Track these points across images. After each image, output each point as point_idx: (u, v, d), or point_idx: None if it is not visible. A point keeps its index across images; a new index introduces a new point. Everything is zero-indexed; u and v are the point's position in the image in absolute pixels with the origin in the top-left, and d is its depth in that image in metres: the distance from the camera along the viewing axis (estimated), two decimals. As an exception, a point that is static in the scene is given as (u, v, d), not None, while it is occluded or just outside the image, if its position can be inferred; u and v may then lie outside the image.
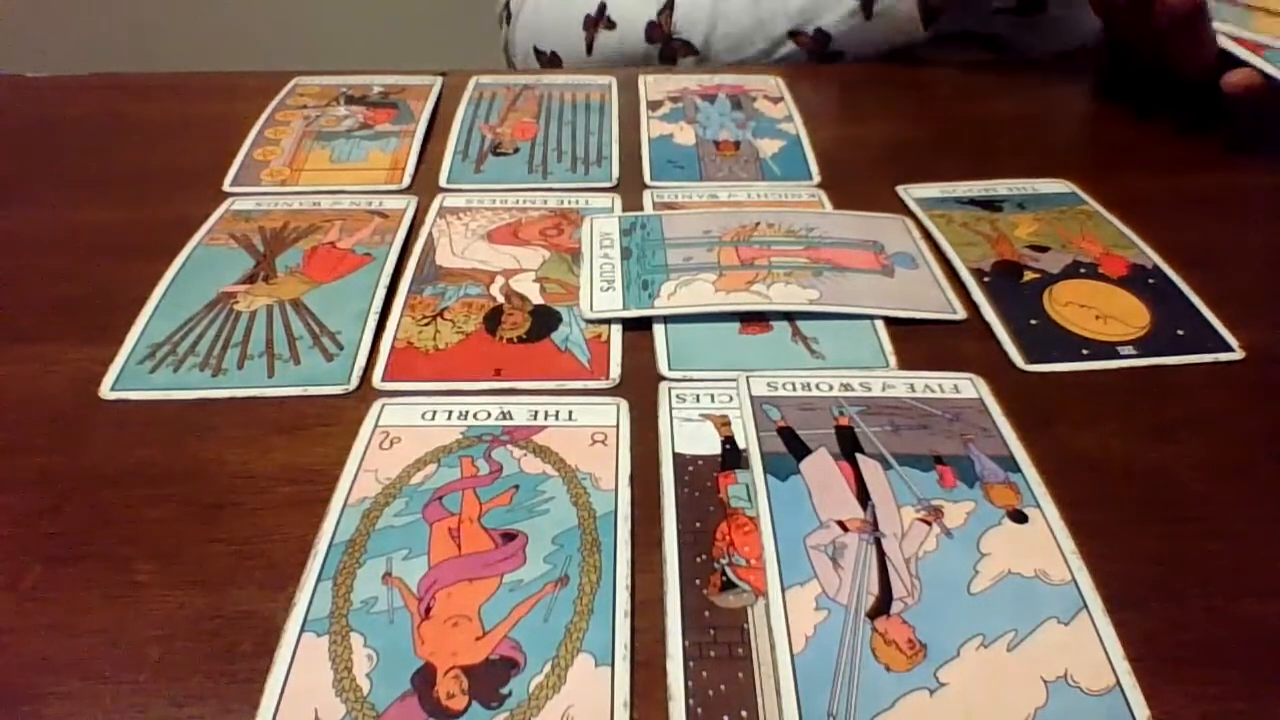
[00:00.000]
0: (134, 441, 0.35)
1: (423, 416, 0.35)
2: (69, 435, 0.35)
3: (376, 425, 0.35)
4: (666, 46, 0.70)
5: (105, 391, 0.37)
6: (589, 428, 0.35)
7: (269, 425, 0.35)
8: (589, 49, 0.73)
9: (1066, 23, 0.72)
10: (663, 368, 0.38)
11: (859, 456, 0.33)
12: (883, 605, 0.28)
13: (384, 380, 0.37)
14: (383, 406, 0.36)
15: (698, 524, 0.31)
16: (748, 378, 0.36)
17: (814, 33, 0.66)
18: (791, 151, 0.54)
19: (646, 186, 0.51)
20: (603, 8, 0.72)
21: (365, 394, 0.37)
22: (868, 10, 0.64)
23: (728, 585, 0.29)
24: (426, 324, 0.40)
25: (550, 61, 0.77)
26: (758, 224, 0.46)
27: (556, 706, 0.26)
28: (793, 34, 0.67)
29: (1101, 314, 0.41)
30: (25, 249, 0.46)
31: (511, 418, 0.35)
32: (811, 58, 0.67)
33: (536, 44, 0.77)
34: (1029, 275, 0.43)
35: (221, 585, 0.29)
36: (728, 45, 0.69)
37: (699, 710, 0.26)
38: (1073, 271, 0.43)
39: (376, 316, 0.40)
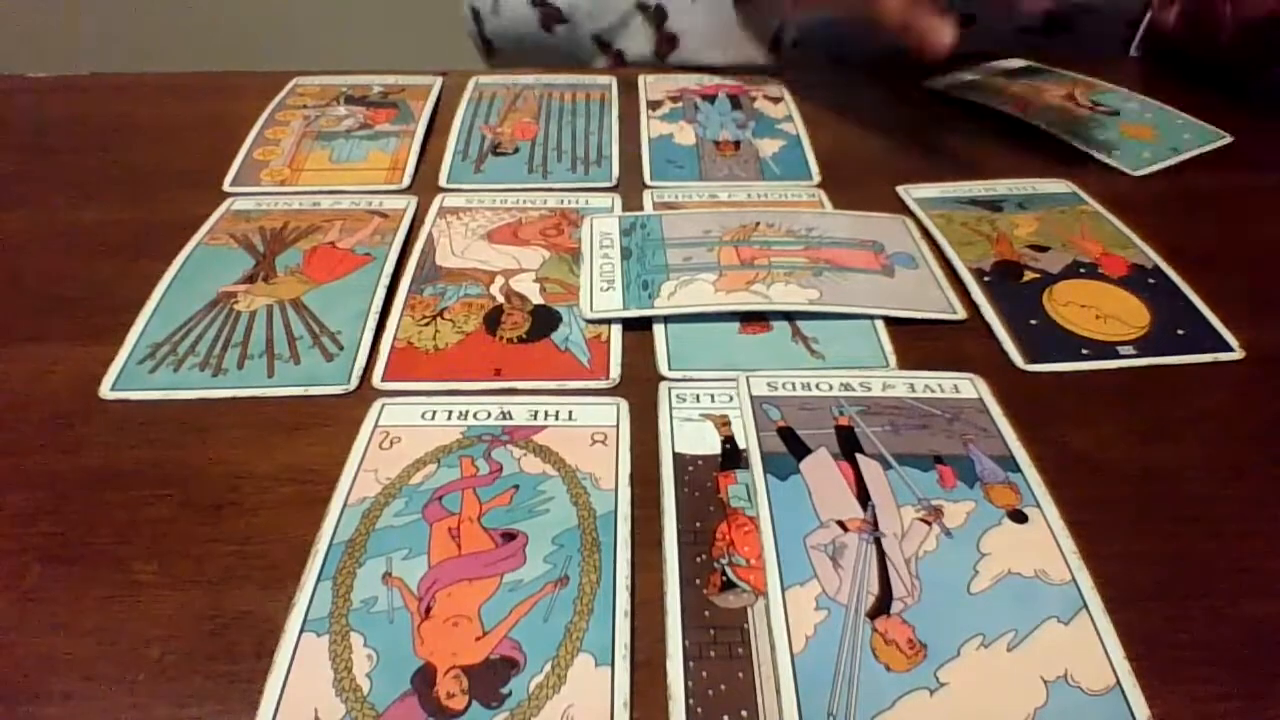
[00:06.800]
0: (134, 441, 0.35)
1: (423, 416, 0.35)
2: (69, 435, 0.35)
3: (376, 425, 0.35)
4: (544, 11, 0.71)
5: (105, 391, 0.37)
6: (589, 428, 0.35)
7: (269, 425, 0.35)
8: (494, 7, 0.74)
9: (1093, 40, 0.71)
10: (663, 368, 0.38)
11: (859, 456, 0.33)
12: (883, 605, 0.28)
13: (384, 380, 0.37)
14: (383, 406, 0.36)
15: (698, 524, 0.31)
16: (748, 378, 0.36)
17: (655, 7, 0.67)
18: (791, 151, 0.54)
19: (646, 186, 0.51)
20: None
21: (365, 394, 0.37)
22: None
23: (728, 585, 0.29)
24: (426, 324, 0.40)
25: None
26: (757, 224, 0.46)
27: (556, 706, 0.26)
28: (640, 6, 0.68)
29: (1101, 314, 0.41)
30: (25, 249, 0.46)
31: (511, 418, 0.35)
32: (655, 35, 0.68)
33: None
34: (1029, 275, 0.43)
35: (221, 585, 0.29)
36: (589, 10, 0.70)
37: (699, 710, 0.26)
38: (1073, 271, 0.43)
39: (376, 316, 0.40)
